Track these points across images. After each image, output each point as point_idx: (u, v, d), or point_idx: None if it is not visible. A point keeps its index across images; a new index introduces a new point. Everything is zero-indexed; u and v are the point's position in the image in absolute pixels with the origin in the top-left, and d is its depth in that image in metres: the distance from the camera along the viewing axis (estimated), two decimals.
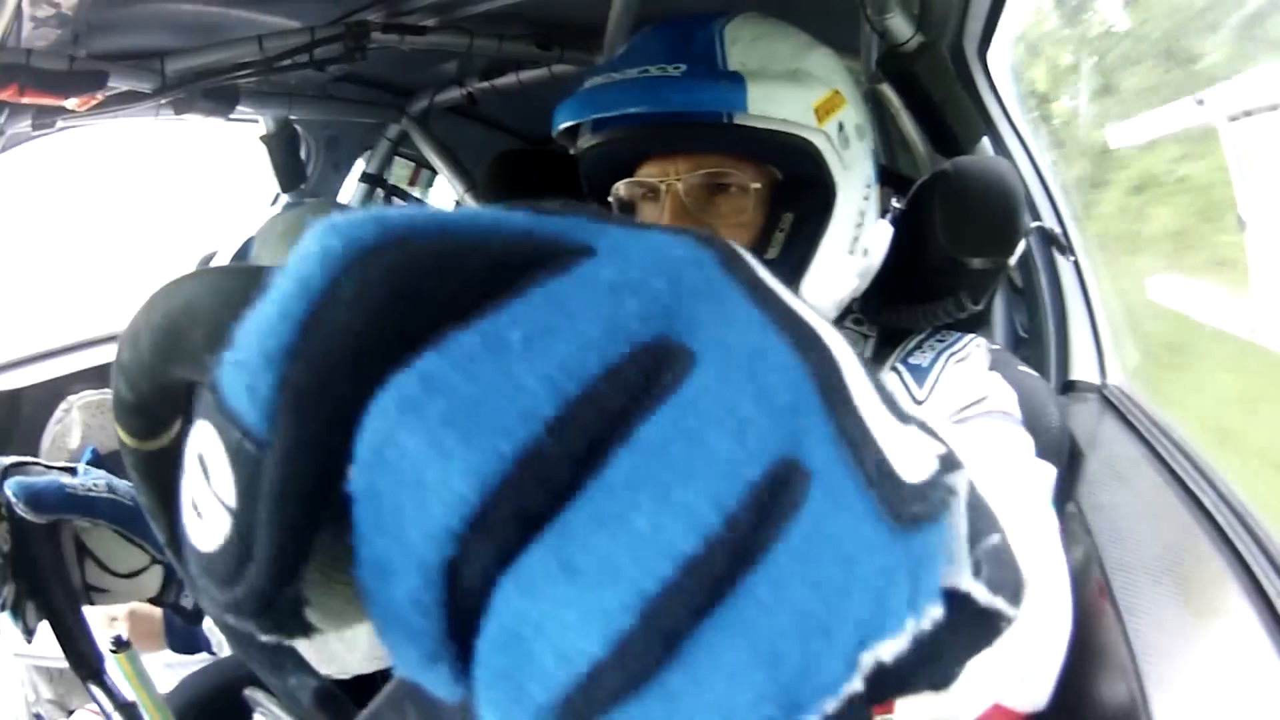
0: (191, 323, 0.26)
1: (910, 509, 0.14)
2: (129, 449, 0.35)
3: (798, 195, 0.68)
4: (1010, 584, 0.17)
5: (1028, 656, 0.30)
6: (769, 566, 0.12)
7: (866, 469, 0.14)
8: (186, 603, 0.59)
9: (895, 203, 0.93)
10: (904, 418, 0.16)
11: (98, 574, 0.55)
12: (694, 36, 0.68)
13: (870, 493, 0.14)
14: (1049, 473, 0.58)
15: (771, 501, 0.13)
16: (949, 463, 0.16)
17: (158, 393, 0.33)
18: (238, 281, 0.26)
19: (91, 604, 0.58)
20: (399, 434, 0.13)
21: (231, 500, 0.14)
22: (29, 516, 0.49)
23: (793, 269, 0.67)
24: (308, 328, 0.13)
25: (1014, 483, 0.49)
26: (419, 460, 0.12)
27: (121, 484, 0.55)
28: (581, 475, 0.12)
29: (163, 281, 0.31)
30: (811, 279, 0.67)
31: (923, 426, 0.17)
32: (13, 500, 0.49)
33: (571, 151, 0.75)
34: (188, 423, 0.36)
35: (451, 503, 0.12)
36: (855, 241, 0.70)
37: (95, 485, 0.53)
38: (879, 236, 0.76)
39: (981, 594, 0.16)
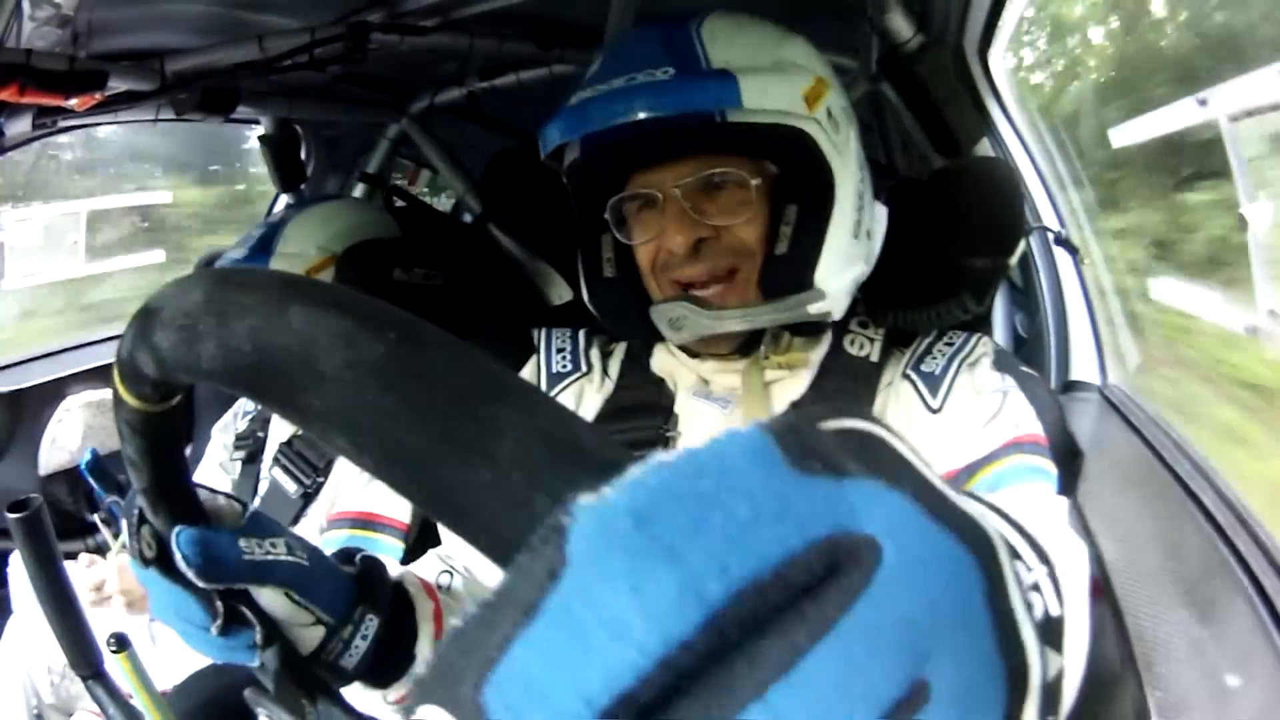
0: (287, 363, 0.24)
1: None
2: (129, 409, 0.34)
3: (798, 186, 0.67)
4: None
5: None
6: None
7: None
8: (347, 663, 0.51)
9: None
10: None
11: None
12: (673, 39, 0.68)
13: None
14: (1064, 505, 0.59)
15: None
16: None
17: (185, 381, 0.33)
18: (345, 323, 0.24)
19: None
20: None
21: None
22: (197, 582, 0.43)
23: (804, 262, 0.66)
24: None
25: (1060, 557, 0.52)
26: None
27: (297, 543, 0.49)
28: None
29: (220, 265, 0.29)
30: (824, 267, 0.66)
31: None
32: (181, 560, 0.42)
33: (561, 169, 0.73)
34: (189, 393, 0.36)
35: None
36: (859, 225, 0.70)
37: (274, 548, 0.47)
38: (878, 218, 0.76)
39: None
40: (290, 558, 0.48)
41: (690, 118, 0.64)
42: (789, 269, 0.66)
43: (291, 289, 0.25)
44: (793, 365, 0.72)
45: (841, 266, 0.68)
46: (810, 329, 0.72)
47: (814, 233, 0.66)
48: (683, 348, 0.74)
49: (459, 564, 0.69)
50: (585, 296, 0.76)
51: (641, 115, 0.62)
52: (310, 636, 0.50)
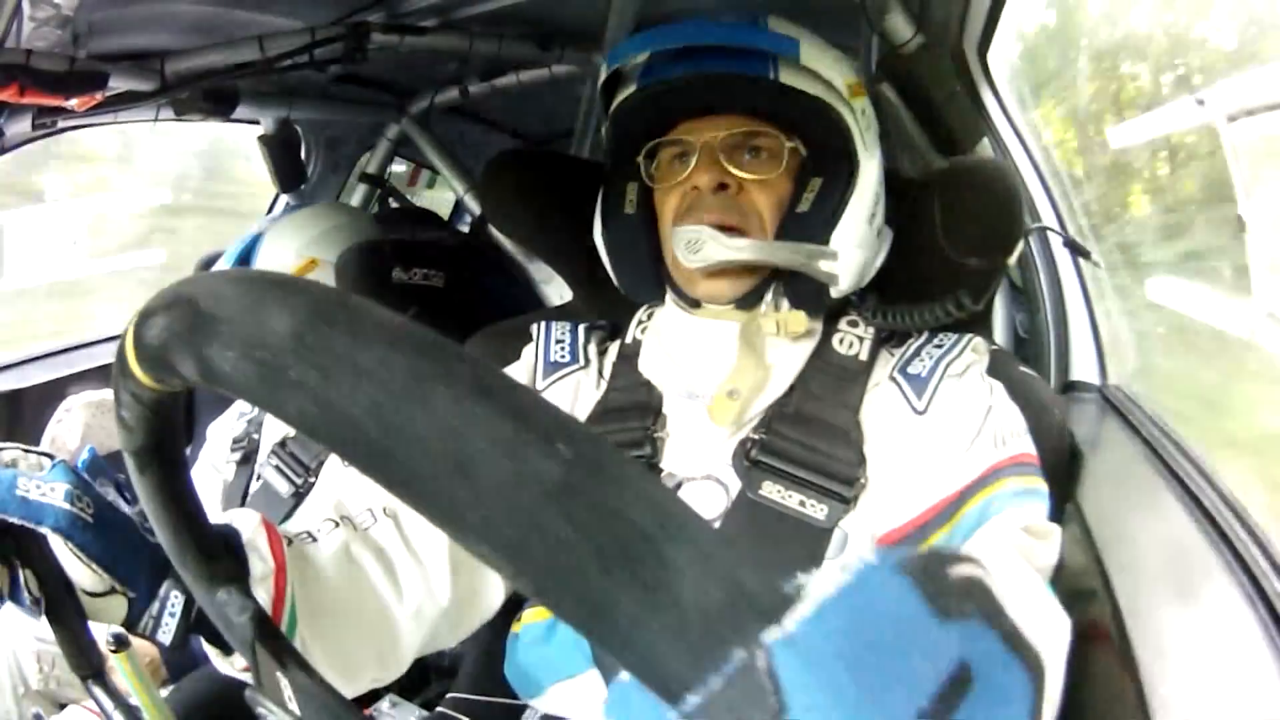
0: (429, 461, 0.22)
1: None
2: (144, 388, 0.33)
3: (824, 165, 0.72)
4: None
5: None
6: None
7: None
8: (163, 637, 0.49)
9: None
10: None
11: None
12: (742, 14, 0.74)
13: None
14: (1054, 546, 0.61)
15: None
16: None
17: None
18: (505, 426, 0.22)
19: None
20: None
21: None
22: None
23: (823, 224, 0.71)
24: None
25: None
26: None
27: (88, 495, 0.47)
28: None
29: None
30: (841, 232, 0.71)
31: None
32: None
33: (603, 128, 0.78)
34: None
35: None
36: (874, 218, 0.74)
37: (51, 491, 0.46)
38: (885, 236, 0.78)
39: None
40: (68, 505, 0.45)
41: (745, 70, 0.70)
42: (808, 222, 0.71)
43: (427, 359, 0.22)
44: (788, 331, 0.73)
45: (855, 241, 0.72)
46: (810, 303, 0.73)
47: (835, 202, 0.71)
48: (682, 298, 0.76)
49: (403, 512, 0.68)
50: (599, 235, 0.80)
51: (708, 42, 0.70)
52: (111, 607, 0.49)
